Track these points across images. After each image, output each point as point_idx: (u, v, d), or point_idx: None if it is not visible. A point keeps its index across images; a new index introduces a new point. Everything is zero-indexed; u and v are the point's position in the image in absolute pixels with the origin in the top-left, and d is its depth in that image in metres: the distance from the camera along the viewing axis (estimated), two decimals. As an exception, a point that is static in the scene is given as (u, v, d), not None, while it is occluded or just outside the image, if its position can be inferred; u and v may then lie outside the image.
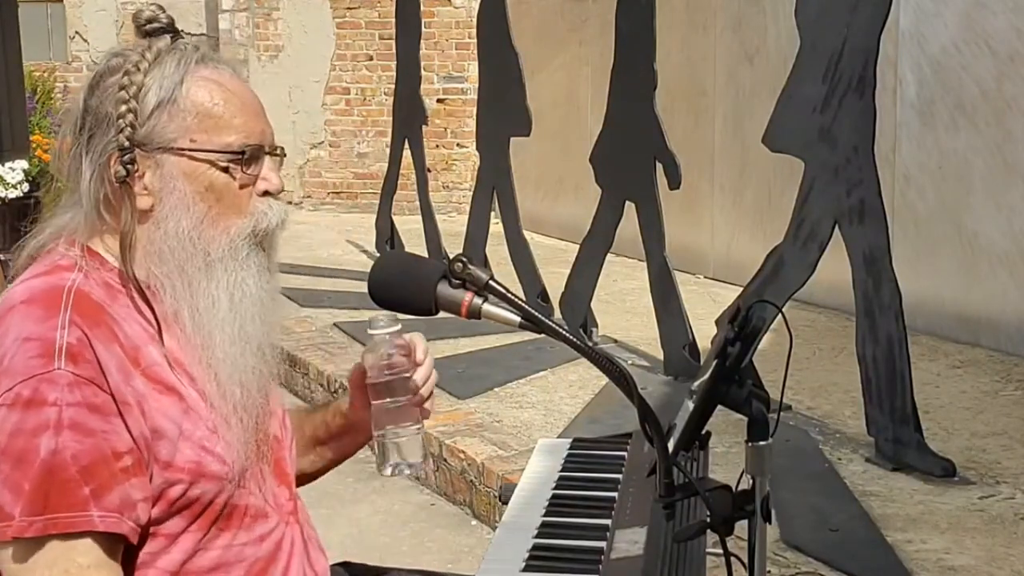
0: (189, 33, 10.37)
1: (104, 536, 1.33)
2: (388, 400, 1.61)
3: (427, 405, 1.73)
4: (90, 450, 1.33)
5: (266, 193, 1.50)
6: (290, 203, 10.33)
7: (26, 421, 1.32)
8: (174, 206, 1.45)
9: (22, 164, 7.58)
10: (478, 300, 1.39)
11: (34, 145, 7.75)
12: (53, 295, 1.39)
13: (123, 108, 1.44)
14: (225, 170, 1.47)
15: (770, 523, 1.29)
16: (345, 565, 1.82)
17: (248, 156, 1.47)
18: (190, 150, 1.46)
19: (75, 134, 1.48)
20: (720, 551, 1.30)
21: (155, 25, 1.53)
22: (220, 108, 1.48)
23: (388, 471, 1.60)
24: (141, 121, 1.45)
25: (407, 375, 1.64)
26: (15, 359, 1.34)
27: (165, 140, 1.46)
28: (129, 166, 1.44)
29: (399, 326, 1.60)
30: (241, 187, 1.48)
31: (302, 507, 1.64)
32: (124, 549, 1.38)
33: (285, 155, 1.57)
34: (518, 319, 1.37)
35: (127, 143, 1.44)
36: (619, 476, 1.81)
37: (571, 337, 1.35)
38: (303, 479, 1.78)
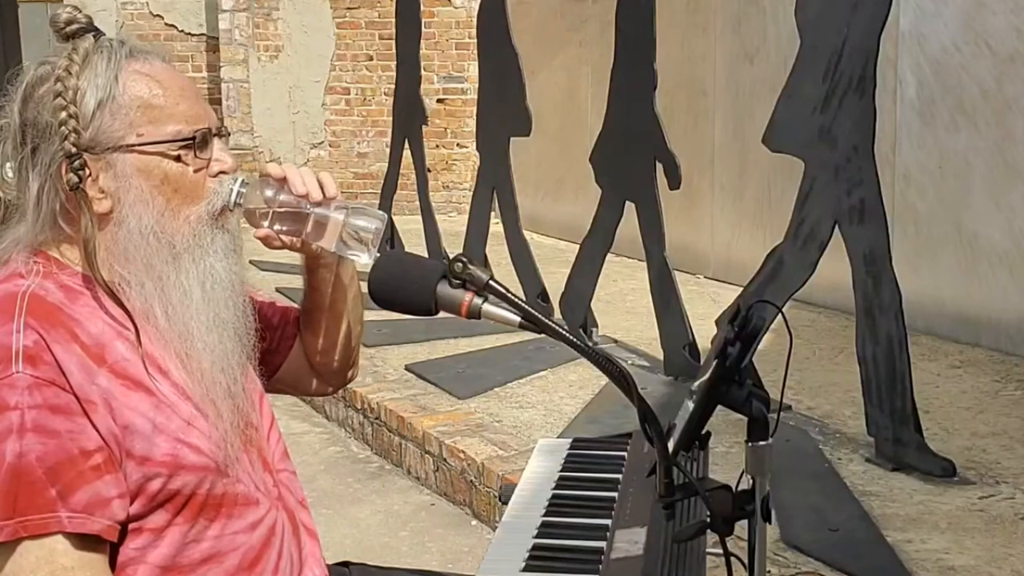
0: (190, 34, 10.33)
1: (78, 537, 1.33)
2: (305, 226, 1.55)
3: (328, 191, 1.60)
4: (55, 451, 1.32)
5: (220, 173, 1.50)
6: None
7: None
8: (132, 204, 1.44)
9: (22, 164, 7.58)
10: (478, 300, 1.39)
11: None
12: (6, 301, 1.39)
13: (63, 115, 1.42)
14: (177, 159, 1.46)
15: (770, 523, 1.29)
16: (345, 565, 1.82)
17: (199, 140, 1.47)
18: (139, 145, 1.45)
19: (15, 149, 1.47)
20: (720, 551, 1.30)
21: (75, 26, 1.49)
22: (160, 98, 1.46)
23: (365, 256, 1.55)
24: (84, 125, 1.43)
25: (294, 201, 1.55)
26: None
27: (112, 139, 1.44)
28: (80, 172, 1.42)
29: (242, 177, 1.55)
30: (195, 172, 1.47)
31: (297, 489, 1.64)
32: (110, 547, 1.38)
33: (230, 134, 1.58)
34: (518, 319, 1.37)
35: (74, 149, 1.42)
36: (619, 476, 1.81)
37: (571, 337, 1.35)
38: (344, 360, 1.79)
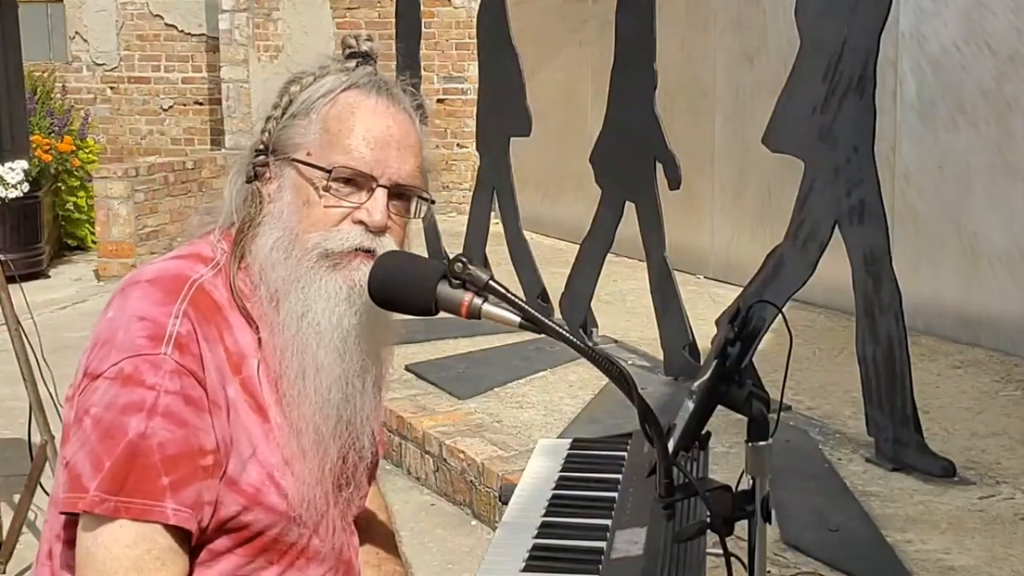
0: (190, 34, 10.27)
1: (174, 529, 1.33)
2: None
3: None
4: (179, 441, 1.33)
5: (361, 223, 1.44)
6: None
7: (120, 396, 1.32)
8: (275, 217, 1.44)
9: (22, 164, 7.58)
10: (478, 300, 1.38)
11: (34, 145, 7.75)
12: (177, 283, 1.40)
13: (270, 111, 1.47)
14: (327, 189, 1.43)
15: (770, 523, 1.29)
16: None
17: (347, 179, 1.43)
18: (302, 162, 1.44)
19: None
20: (720, 551, 1.30)
21: (351, 50, 1.53)
22: (343, 129, 1.44)
23: None
24: (280, 127, 1.46)
25: None
26: (126, 335, 1.35)
27: (288, 149, 1.45)
28: (260, 168, 1.46)
29: None
30: (327, 208, 1.43)
31: (356, 546, 1.60)
32: None
33: (430, 200, 1.50)
34: (518, 319, 1.36)
35: (261, 145, 1.46)
36: (619, 476, 1.81)
37: (571, 337, 1.35)
38: None
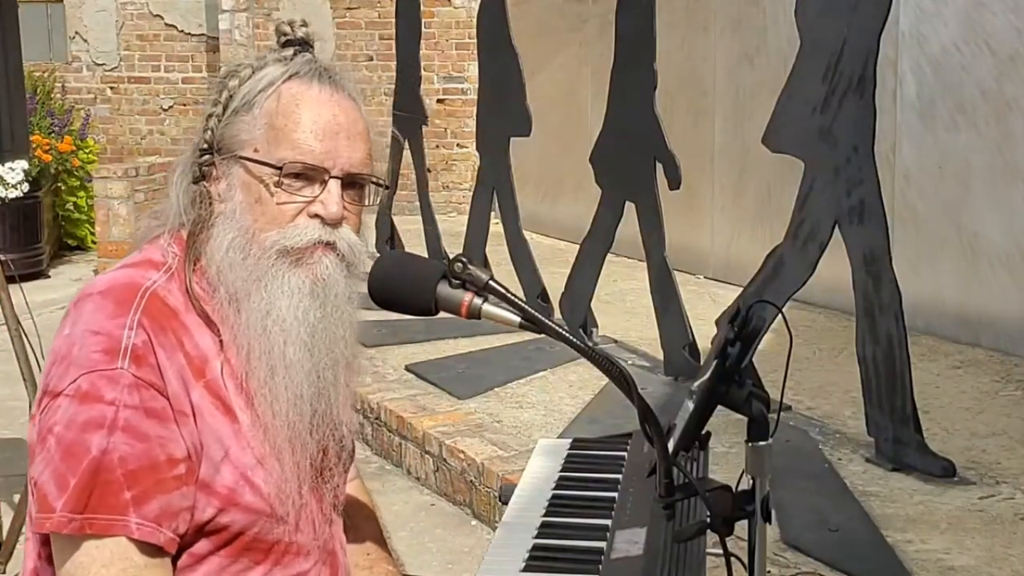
0: (190, 34, 10.23)
1: (147, 545, 1.32)
2: None
3: None
4: (139, 455, 1.31)
5: (317, 216, 1.42)
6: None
7: (80, 414, 1.31)
8: (228, 215, 1.42)
9: (22, 164, 7.58)
10: (478, 300, 1.38)
11: (34, 145, 7.75)
12: (129, 292, 1.37)
13: (210, 109, 1.44)
14: (279, 184, 1.41)
15: (770, 523, 1.29)
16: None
17: (298, 174, 1.41)
18: (250, 159, 1.42)
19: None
20: (720, 551, 1.30)
21: (287, 38, 1.49)
22: (288, 122, 1.41)
23: None
24: (223, 124, 1.43)
25: None
26: (81, 351, 1.33)
27: (234, 147, 1.43)
28: (205, 169, 1.43)
29: None
30: (280, 204, 1.41)
31: (340, 536, 1.59)
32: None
33: (383, 186, 1.48)
34: (518, 319, 1.36)
35: (205, 145, 1.43)
36: (619, 476, 1.81)
37: (571, 337, 1.35)
38: None
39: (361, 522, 1.72)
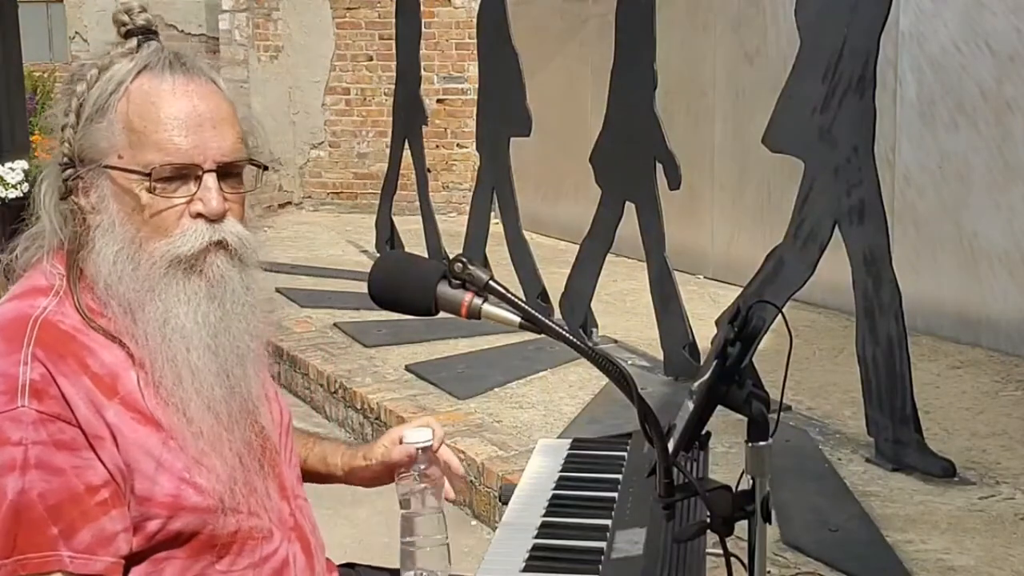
0: (190, 34, 10.22)
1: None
2: (415, 511, 1.54)
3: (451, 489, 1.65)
4: (58, 489, 1.29)
5: (200, 215, 1.37)
6: (289, 203, 10.32)
7: None
8: (106, 227, 1.36)
9: (22, 164, 7.58)
10: (478, 300, 1.38)
11: (34, 145, 7.75)
12: (17, 326, 1.33)
13: (64, 119, 1.37)
14: (152, 190, 1.34)
15: (770, 523, 1.29)
16: (350, 566, 1.81)
17: (170, 177, 1.35)
18: (116, 168, 1.35)
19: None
20: (720, 551, 1.30)
21: (127, 28, 1.41)
22: (147, 123, 1.34)
23: None
24: (78, 134, 1.36)
25: (435, 489, 1.56)
26: None
27: (97, 156, 1.36)
28: (71, 182, 1.36)
29: (430, 441, 1.58)
30: (160, 212, 1.35)
31: (309, 514, 1.58)
32: None
33: (262, 166, 1.43)
34: (518, 319, 1.36)
35: (66, 158, 1.36)
36: (619, 476, 1.81)
37: (571, 337, 1.35)
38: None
39: (299, 446, 1.71)
